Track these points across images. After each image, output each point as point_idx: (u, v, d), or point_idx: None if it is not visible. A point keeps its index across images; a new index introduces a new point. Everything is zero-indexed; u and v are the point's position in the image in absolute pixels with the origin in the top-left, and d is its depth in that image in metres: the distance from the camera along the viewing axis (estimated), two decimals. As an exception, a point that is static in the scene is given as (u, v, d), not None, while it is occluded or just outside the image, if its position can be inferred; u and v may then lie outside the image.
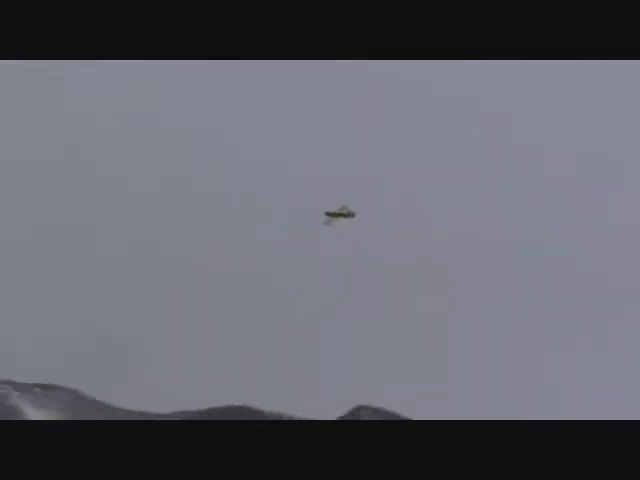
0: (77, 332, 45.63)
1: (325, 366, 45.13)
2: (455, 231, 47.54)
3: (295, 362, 43.58)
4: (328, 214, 43.21)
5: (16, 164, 42.75)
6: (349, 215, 44.05)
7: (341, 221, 43.38)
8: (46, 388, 65.86)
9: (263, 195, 44.78)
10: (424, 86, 39.57)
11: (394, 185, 40.71)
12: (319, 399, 43.19)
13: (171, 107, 43.78)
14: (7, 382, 64.14)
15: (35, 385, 64.47)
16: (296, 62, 28.50)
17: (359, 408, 51.59)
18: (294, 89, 42.27)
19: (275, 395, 43.96)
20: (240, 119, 44.31)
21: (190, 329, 49.02)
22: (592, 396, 36.77)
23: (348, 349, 47.92)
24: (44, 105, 41.39)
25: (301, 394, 42.91)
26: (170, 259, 47.85)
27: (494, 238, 42.89)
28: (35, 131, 43.21)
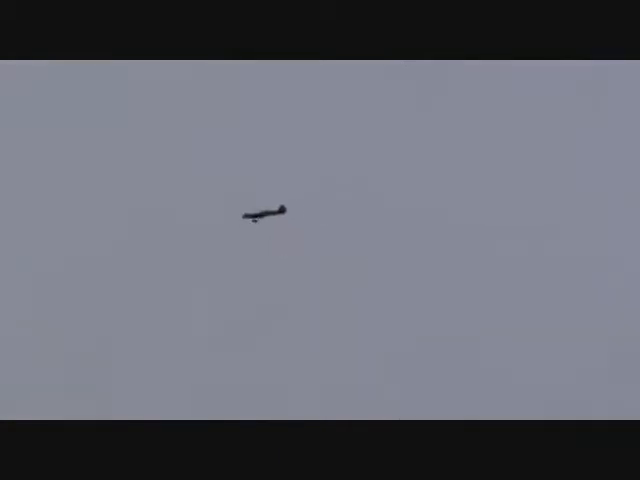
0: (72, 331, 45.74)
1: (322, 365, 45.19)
2: (455, 231, 47.62)
3: (292, 362, 43.56)
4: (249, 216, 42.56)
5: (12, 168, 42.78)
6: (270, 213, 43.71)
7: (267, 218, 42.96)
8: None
9: (262, 195, 44.74)
10: (424, 86, 39.53)
11: (394, 185, 40.66)
12: (318, 399, 43.13)
13: (170, 108, 43.72)
14: None
15: None
16: (296, 62, 28.58)
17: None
18: (294, 89, 42.25)
19: (273, 395, 43.95)
20: (239, 120, 44.32)
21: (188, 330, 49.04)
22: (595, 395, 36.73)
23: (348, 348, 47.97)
24: (45, 106, 41.33)
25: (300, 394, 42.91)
26: (170, 259, 47.90)
27: (494, 237, 42.97)
28: (35, 133, 43.21)
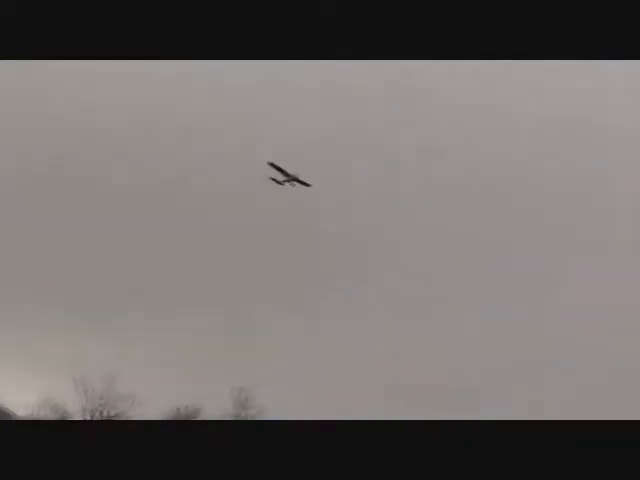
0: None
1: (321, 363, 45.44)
2: (453, 232, 47.91)
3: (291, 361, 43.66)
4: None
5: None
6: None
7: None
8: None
9: (262, 196, 44.93)
10: (424, 86, 39.64)
11: (392, 186, 40.79)
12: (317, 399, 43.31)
13: (170, 108, 43.89)
14: None
15: None
16: (296, 62, 28.61)
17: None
18: (294, 89, 42.31)
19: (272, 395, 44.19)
20: (238, 120, 44.48)
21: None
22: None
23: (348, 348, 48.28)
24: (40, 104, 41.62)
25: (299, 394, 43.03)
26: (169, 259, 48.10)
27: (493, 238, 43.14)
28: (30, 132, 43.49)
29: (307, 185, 46.00)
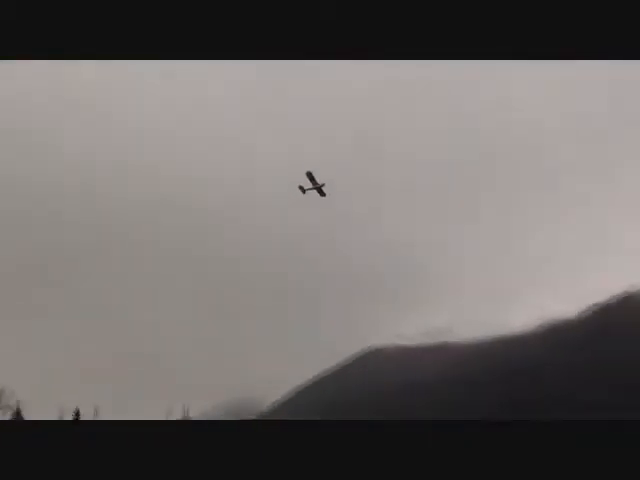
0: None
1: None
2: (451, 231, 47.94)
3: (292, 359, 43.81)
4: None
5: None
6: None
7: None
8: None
9: (263, 196, 44.89)
10: (424, 86, 39.65)
11: (393, 185, 40.82)
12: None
13: (170, 108, 43.76)
14: None
15: None
16: (296, 62, 28.59)
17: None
18: (295, 89, 42.32)
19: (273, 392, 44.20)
20: (239, 120, 44.38)
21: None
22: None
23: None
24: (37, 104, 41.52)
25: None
26: (168, 258, 48.14)
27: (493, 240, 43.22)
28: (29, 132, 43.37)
29: (323, 195, 51.09)
